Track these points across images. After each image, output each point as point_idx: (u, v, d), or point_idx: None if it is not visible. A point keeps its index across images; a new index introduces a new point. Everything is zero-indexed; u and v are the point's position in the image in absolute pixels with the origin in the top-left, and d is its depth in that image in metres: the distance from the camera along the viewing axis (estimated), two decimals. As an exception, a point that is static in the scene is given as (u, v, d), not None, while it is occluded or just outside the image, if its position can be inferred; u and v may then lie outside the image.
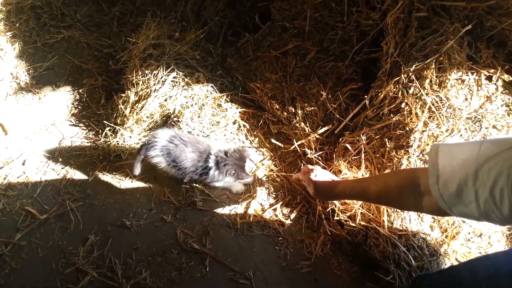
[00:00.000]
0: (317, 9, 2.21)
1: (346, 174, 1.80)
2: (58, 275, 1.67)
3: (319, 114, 2.06)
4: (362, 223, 1.70)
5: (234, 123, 2.13)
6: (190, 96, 2.12)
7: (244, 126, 2.14)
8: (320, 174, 1.66)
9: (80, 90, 2.38)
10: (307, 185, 1.71)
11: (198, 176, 1.84)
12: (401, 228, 1.64)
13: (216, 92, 2.18)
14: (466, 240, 1.68)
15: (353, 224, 1.71)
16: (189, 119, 2.04)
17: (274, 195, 1.96)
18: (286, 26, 2.30)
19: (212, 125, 2.07)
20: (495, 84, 1.80)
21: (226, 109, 2.14)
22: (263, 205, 1.93)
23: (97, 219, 1.85)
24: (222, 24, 2.53)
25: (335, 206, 1.75)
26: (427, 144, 1.69)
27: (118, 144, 2.06)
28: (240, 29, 2.53)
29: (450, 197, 0.93)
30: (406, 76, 1.77)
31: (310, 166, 1.73)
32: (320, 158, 1.94)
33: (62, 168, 2.03)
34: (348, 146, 1.86)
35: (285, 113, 2.09)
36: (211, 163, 1.78)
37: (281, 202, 1.92)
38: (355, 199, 1.71)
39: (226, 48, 2.47)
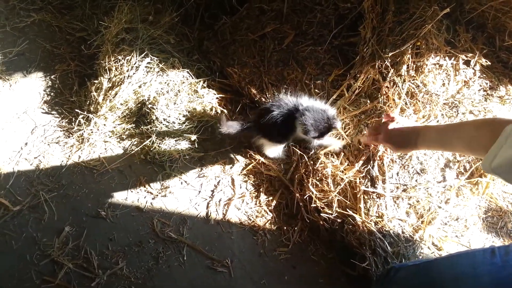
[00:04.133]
0: (294, -10, 2.14)
1: (324, 162, 1.78)
2: (33, 267, 1.66)
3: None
4: (339, 210, 1.69)
5: (211, 109, 2.09)
6: (165, 82, 2.06)
7: (222, 112, 2.09)
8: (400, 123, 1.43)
9: (52, 76, 2.29)
10: (384, 142, 1.45)
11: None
12: (377, 215, 1.65)
13: (192, 78, 2.12)
14: (443, 224, 1.69)
15: (330, 211, 1.70)
16: (164, 106, 1.99)
17: (253, 183, 1.95)
18: (264, 8, 2.23)
19: (188, 112, 2.03)
20: (473, 68, 1.78)
21: (203, 95, 2.09)
22: (244, 193, 1.91)
23: (72, 209, 1.82)
24: (199, 6, 2.43)
25: (312, 193, 1.75)
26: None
27: (92, 132, 2.01)
28: (217, 11, 2.45)
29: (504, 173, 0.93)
30: (382, 62, 1.73)
31: (386, 118, 1.46)
32: (298, 145, 1.92)
33: (35, 158, 1.97)
34: (326, 132, 1.84)
35: (263, 99, 2.05)
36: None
37: (263, 191, 1.90)
38: (436, 150, 1.63)
39: (203, 32, 2.39)
